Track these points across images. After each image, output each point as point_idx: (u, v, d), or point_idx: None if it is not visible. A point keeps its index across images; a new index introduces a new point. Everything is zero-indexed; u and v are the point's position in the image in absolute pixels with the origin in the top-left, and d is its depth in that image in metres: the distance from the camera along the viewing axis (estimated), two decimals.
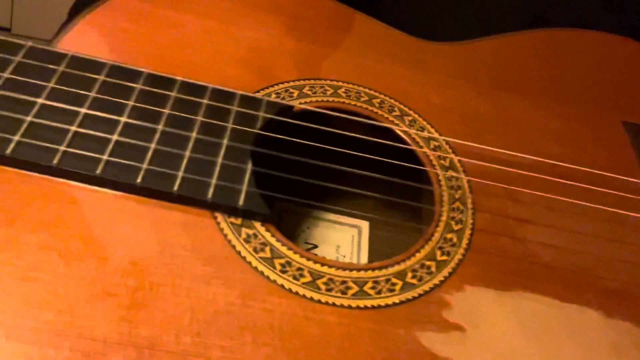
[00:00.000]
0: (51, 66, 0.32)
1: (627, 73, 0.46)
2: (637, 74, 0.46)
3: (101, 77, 0.32)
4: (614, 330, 0.30)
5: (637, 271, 0.33)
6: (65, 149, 0.29)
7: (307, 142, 0.33)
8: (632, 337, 0.30)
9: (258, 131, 0.33)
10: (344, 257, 0.42)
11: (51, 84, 0.31)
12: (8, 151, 0.28)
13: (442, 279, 0.30)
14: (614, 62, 0.47)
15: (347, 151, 0.34)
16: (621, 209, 0.35)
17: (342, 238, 0.43)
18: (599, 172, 0.37)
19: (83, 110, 0.30)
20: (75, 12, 0.49)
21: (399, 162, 0.35)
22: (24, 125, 0.29)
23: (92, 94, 0.31)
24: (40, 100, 0.30)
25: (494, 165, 0.36)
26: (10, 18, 0.89)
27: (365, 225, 0.45)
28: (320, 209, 0.43)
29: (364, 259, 0.42)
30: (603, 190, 0.36)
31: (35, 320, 0.24)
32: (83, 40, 0.36)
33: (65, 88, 0.31)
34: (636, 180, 0.38)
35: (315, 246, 0.43)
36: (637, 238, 0.35)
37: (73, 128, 0.30)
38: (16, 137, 0.28)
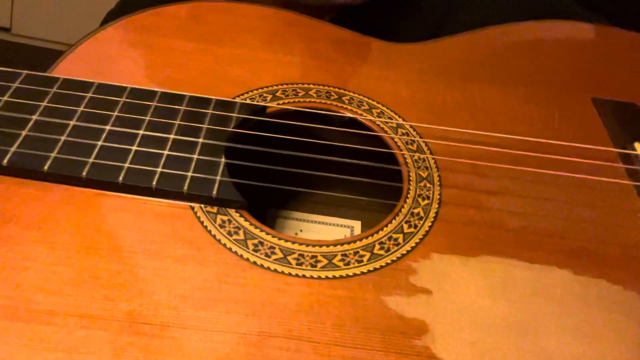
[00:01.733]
0: (46, 88, 0.36)
1: (593, 53, 0.48)
2: (602, 53, 0.48)
3: (89, 94, 0.36)
4: (581, 285, 0.31)
5: (602, 231, 0.34)
6: (55, 155, 0.32)
7: (274, 135, 0.36)
8: (599, 290, 0.31)
9: (231, 129, 0.36)
10: None
11: (44, 103, 0.35)
12: (4, 162, 0.32)
13: (409, 249, 0.32)
14: (577, 46, 0.49)
15: (317, 141, 0.37)
16: (589, 175, 0.36)
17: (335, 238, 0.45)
18: (565, 143, 0.38)
19: (72, 122, 0.34)
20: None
21: (366, 147, 0.37)
22: (20, 139, 0.33)
23: (81, 109, 0.35)
24: (34, 117, 0.34)
25: (460, 144, 0.38)
26: (10, 18, 0.91)
27: (357, 224, 0.47)
28: (310, 212, 0.45)
29: None
30: (570, 159, 0.37)
31: (28, 302, 0.27)
32: (74, 67, 0.40)
33: (58, 105, 0.35)
34: (603, 148, 0.39)
35: (296, 234, 0.45)
36: (603, 201, 0.36)
37: (63, 137, 0.33)
38: (12, 149, 0.32)
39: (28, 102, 0.35)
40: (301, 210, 0.46)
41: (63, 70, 0.39)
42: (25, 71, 0.37)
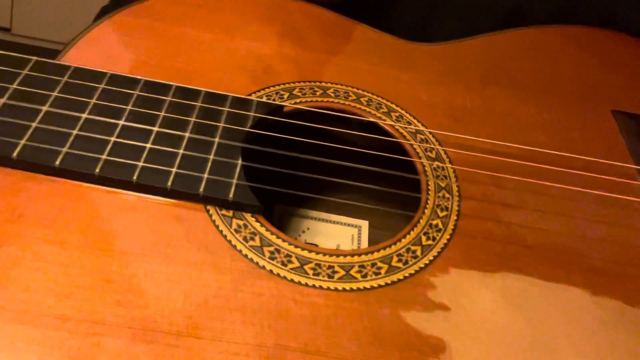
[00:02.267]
0: (56, 77, 0.34)
1: (614, 64, 0.47)
2: (623, 64, 0.47)
3: (101, 86, 0.35)
4: (600, 307, 0.31)
5: (621, 250, 0.34)
6: (67, 150, 0.31)
7: (292, 138, 0.35)
8: (618, 313, 0.31)
9: (248, 129, 0.35)
10: None
11: (55, 93, 0.34)
12: (14, 154, 0.30)
13: (427, 262, 0.31)
14: (600, 54, 0.48)
15: (335, 145, 0.36)
16: (608, 192, 0.36)
17: (342, 238, 0.45)
18: (585, 158, 0.38)
19: (84, 116, 0.33)
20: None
21: (385, 154, 0.36)
22: (30, 130, 0.31)
23: (93, 101, 0.34)
24: (44, 108, 0.33)
25: (479, 154, 0.37)
26: (10, 18, 0.89)
27: (364, 224, 0.46)
28: (319, 210, 0.45)
29: None
30: (589, 174, 0.37)
31: (39, 306, 0.26)
32: (85, 54, 0.39)
33: (69, 96, 0.34)
34: (623, 164, 0.38)
35: (316, 246, 0.44)
36: (623, 219, 0.35)
37: (74, 131, 0.32)
38: (22, 141, 0.31)
39: (38, 91, 0.33)
40: (309, 207, 0.45)
41: (73, 57, 0.38)
42: (35, 57, 0.35)
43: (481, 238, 0.33)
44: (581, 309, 0.31)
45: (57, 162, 0.31)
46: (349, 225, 0.46)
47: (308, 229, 0.45)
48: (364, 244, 0.44)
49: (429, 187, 0.35)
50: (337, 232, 0.45)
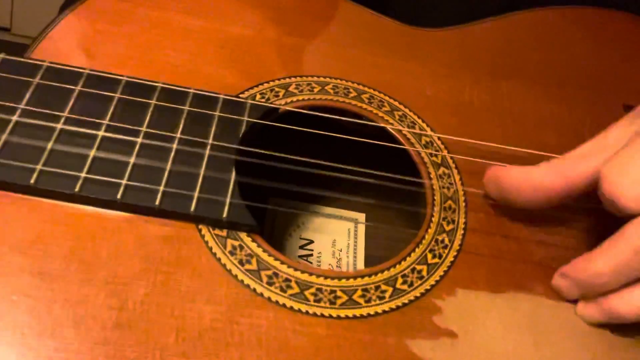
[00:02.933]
0: (26, 79, 0.31)
1: (630, 52, 0.44)
2: (636, 51, 0.44)
3: (78, 88, 0.31)
4: (610, 329, 0.30)
5: None
6: (42, 167, 0.28)
7: (288, 145, 0.32)
8: (628, 336, 0.30)
9: (238, 147, 0.32)
10: (340, 251, 0.42)
11: (26, 99, 0.30)
12: None
13: (434, 283, 0.30)
14: (615, 40, 0.45)
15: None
16: None
17: (338, 232, 0.43)
18: None
19: (59, 126, 0.30)
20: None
21: (390, 159, 0.34)
22: None
23: (68, 108, 0.30)
24: (14, 118, 0.29)
25: (487, 161, 0.35)
26: (10, 18, 0.89)
27: (361, 217, 0.44)
28: (314, 204, 0.43)
29: (361, 252, 0.41)
30: None
31: (20, 346, 0.24)
32: (60, 44, 0.35)
33: (42, 102, 0.30)
34: None
35: (311, 241, 0.42)
36: None
37: (49, 145, 0.29)
38: None
39: (5, 97, 0.30)
40: (304, 199, 0.43)
41: (46, 50, 0.34)
42: (2, 55, 0.32)
43: (489, 255, 0.31)
44: (591, 331, 0.30)
45: (32, 181, 0.28)
46: (345, 218, 0.44)
47: (303, 223, 0.43)
48: (361, 238, 0.43)
49: (435, 199, 0.33)
50: (333, 227, 0.43)
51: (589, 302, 0.29)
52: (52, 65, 0.32)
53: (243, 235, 0.29)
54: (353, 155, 0.35)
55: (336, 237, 0.43)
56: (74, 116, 0.30)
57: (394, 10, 0.43)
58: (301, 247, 0.42)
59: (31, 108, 0.30)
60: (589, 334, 0.30)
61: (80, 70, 0.32)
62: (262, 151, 0.31)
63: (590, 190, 0.29)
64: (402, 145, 0.35)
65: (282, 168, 0.32)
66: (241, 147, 0.31)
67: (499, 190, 0.32)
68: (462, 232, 0.32)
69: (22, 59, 0.32)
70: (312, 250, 0.42)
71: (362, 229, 0.43)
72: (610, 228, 0.33)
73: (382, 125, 0.36)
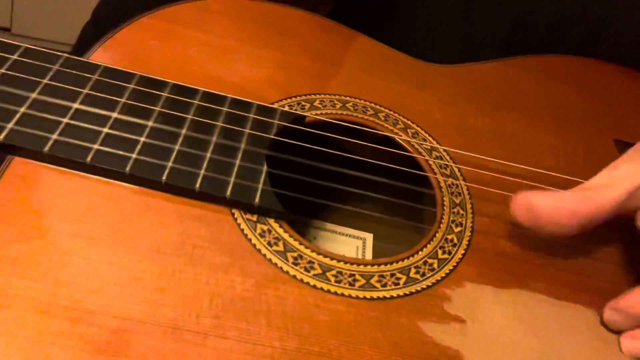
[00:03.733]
0: (86, 74, 0.35)
1: (618, 95, 0.49)
2: (627, 96, 0.49)
3: (131, 86, 0.35)
4: (603, 326, 0.32)
5: (626, 273, 0.35)
6: (98, 147, 0.31)
7: (315, 147, 0.36)
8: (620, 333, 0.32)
9: (273, 137, 0.35)
10: None
11: (86, 90, 0.34)
12: (46, 148, 0.31)
13: (444, 275, 0.32)
14: (605, 85, 0.50)
15: (354, 156, 0.37)
16: None
17: (347, 249, 0.46)
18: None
19: (115, 115, 0.33)
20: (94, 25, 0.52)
21: (403, 168, 0.37)
22: (61, 126, 0.32)
23: (123, 100, 0.34)
24: (75, 105, 0.33)
25: (492, 174, 0.38)
26: (10, 18, 0.90)
27: (369, 237, 0.47)
28: (324, 220, 0.46)
29: None
30: None
31: (68, 299, 0.26)
32: (111, 55, 0.39)
33: (99, 94, 0.34)
34: None
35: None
36: (625, 240, 0.37)
37: (105, 130, 0.32)
38: (54, 136, 0.31)
39: (71, 88, 0.34)
40: (315, 216, 0.46)
41: (100, 58, 0.38)
42: (65, 54, 0.36)
43: (494, 255, 0.34)
44: (588, 329, 0.32)
45: (89, 159, 0.31)
46: (353, 237, 0.47)
47: (314, 238, 0.46)
48: (368, 256, 0.45)
49: (444, 203, 0.36)
50: (342, 244, 0.46)
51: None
52: (109, 66, 0.36)
53: (271, 221, 0.32)
54: (366, 165, 0.38)
55: (345, 253, 0.46)
56: (128, 107, 0.34)
57: (397, 45, 0.48)
58: None
59: (92, 94, 0.34)
60: (585, 330, 0.32)
61: (133, 72, 0.36)
62: (289, 157, 0.35)
63: (613, 217, 0.32)
64: (411, 154, 0.39)
65: (307, 171, 0.35)
66: (276, 138, 0.35)
67: (532, 218, 0.32)
68: (470, 233, 0.35)
69: (82, 59, 0.36)
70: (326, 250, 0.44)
71: (369, 247, 0.46)
72: (614, 232, 0.36)
73: (391, 135, 0.39)
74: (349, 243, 0.47)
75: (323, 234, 0.46)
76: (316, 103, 0.40)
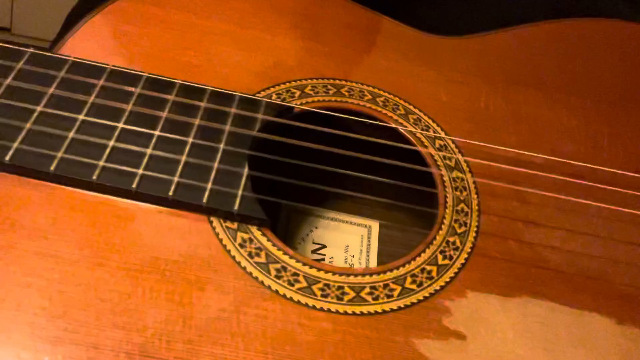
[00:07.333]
0: (52, 72, 0.32)
1: None
2: None
3: (100, 82, 0.32)
4: (625, 337, 0.29)
5: None
6: (62, 155, 0.29)
7: (305, 144, 0.33)
8: None
9: (255, 134, 0.32)
10: (353, 257, 0.41)
11: (51, 90, 0.31)
12: (7, 158, 0.29)
13: (443, 284, 0.29)
14: (634, 53, 0.44)
15: (349, 153, 0.33)
16: (637, 210, 0.34)
17: (351, 238, 0.43)
18: (614, 171, 0.35)
19: (80, 117, 0.31)
20: (74, 15, 0.50)
21: (402, 164, 0.34)
22: (23, 133, 0.29)
23: (90, 100, 0.32)
24: (39, 108, 0.31)
25: (502, 165, 0.35)
26: (10, 18, 0.89)
27: (375, 224, 0.44)
28: (328, 209, 0.43)
29: (373, 258, 0.41)
30: (618, 189, 0.34)
31: (31, 326, 0.25)
32: (85, 44, 0.36)
33: (65, 94, 0.31)
34: None
35: (324, 246, 0.42)
36: None
37: (70, 134, 0.30)
38: (15, 144, 0.29)
39: (33, 88, 0.31)
40: (318, 204, 0.43)
41: (72, 47, 0.35)
42: (31, 49, 0.33)
43: (501, 259, 0.31)
44: (604, 339, 0.29)
45: (52, 167, 0.29)
46: (358, 225, 0.44)
47: (316, 227, 0.43)
48: (374, 244, 0.42)
49: (447, 202, 0.33)
50: (346, 233, 0.43)
51: None
52: (77, 60, 0.33)
53: (253, 228, 0.30)
54: (364, 159, 0.35)
55: (349, 242, 0.43)
56: (96, 106, 0.31)
57: (415, 19, 0.44)
58: (314, 252, 0.42)
59: (59, 94, 0.31)
60: (602, 342, 0.29)
61: (104, 65, 0.33)
62: (272, 157, 0.32)
63: None
64: (414, 147, 0.35)
65: (293, 166, 0.32)
66: (260, 135, 0.32)
67: None
68: (474, 235, 0.32)
69: (50, 54, 0.33)
70: (324, 254, 0.42)
71: (375, 235, 0.43)
72: (629, 236, 0.33)
73: (393, 126, 0.36)
74: (354, 232, 0.44)
75: (326, 223, 0.44)
76: (307, 89, 0.37)
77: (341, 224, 0.43)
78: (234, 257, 0.28)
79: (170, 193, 0.29)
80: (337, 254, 0.41)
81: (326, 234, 0.42)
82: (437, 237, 0.31)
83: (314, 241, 0.42)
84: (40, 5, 0.87)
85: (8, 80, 0.31)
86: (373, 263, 0.41)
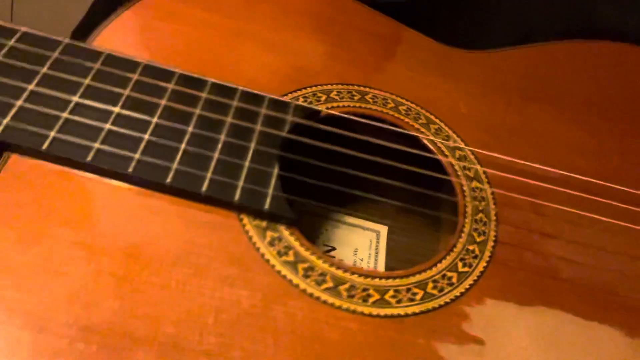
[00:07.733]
0: (87, 64, 0.33)
1: None
2: None
3: (135, 76, 0.33)
4: (632, 348, 0.30)
5: None
6: (99, 146, 0.29)
7: (332, 147, 0.34)
8: None
9: (285, 135, 0.33)
10: (362, 260, 0.42)
11: (86, 82, 0.32)
12: (44, 146, 0.29)
13: (463, 290, 0.30)
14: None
15: (372, 157, 0.34)
16: None
17: (361, 241, 0.44)
18: (625, 189, 0.36)
19: (116, 109, 0.31)
20: (95, 10, 0.50)
21: (424, 171, 0.35)
22: (60, 122, 0.30)
23: (126, 93, 0.32)
24: (75, 98, 0.31)
25: (519, 178, 0.36)
26: (10, 18, 0.90)
27: (384, 230, 0.45)
28: (340, 212, 0.44)
29: (382, 263, 0.42)
30: (629, 207, 0.36)
31: (66, 314, 0.25)
32: (116, 38, 0.37)
33: (100, 86, 0.32)
34: None
35: (333, 248, 0.43)
36: None
37: (107, 126, 0.30)
38: (52, 133, 0.29)
39: (69, 77, 0.32)
40: (329, 202, 0.44)
41: (105, 39, 0.36)
42: (66, 40, 0.33)
43: (518, 268, 0.32)
44: (615, 351, 0.30)
45: (89, 158, 0.29)
46: (368, 229, 0.45)
47: (327, 229, 0.44)
48: (382, 250, 0.43)
49: (466, 211, 0.34)
50: (356, 236, 0.44)
51: None
52: (111, 54, 0.34)
53: (282, 227, 0.30)
54: (385, 165, 0.36)
55: (358, 246, 0.44)
56: (130, 101, 0.32)
57: (436, 31, 0.45)
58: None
59: (93, 85, 0.31)
60: (613, 354, 0.30)
61: (138, 60, 0.34)
62: (303, 158, 0.32)
63: None
64: (435, 155, 0.36)
65: (311, 167, 0.33)
66: (289, 137, 0.32)
67: None
68: (493, 244, 0.33)
69: (85, 46, 0.34)
70: (333, 257, 0.43)
71: (383, 240, 0.44)
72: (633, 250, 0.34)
73: (415, 134, 0.37)
74: (363, 235, 0.45)
75: (336, 225, 0.44)
76: (332, 94, 0.38)
77: (351, 228, 0.44)
78: (263, 255, 0.29)
79: (203, 189, 0.30)
80: (346, 257, 0.42)
81: (336, 236, 0.43)
82: (458, 245, 0.32)
83: (324, 243, 0.43)
84: (40, 4, 0.87)
85: (45, 69, 0.32)
86: (381, 267, 0.42)
